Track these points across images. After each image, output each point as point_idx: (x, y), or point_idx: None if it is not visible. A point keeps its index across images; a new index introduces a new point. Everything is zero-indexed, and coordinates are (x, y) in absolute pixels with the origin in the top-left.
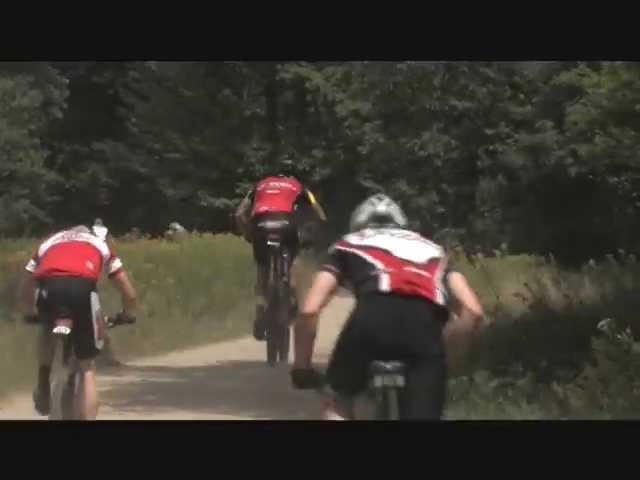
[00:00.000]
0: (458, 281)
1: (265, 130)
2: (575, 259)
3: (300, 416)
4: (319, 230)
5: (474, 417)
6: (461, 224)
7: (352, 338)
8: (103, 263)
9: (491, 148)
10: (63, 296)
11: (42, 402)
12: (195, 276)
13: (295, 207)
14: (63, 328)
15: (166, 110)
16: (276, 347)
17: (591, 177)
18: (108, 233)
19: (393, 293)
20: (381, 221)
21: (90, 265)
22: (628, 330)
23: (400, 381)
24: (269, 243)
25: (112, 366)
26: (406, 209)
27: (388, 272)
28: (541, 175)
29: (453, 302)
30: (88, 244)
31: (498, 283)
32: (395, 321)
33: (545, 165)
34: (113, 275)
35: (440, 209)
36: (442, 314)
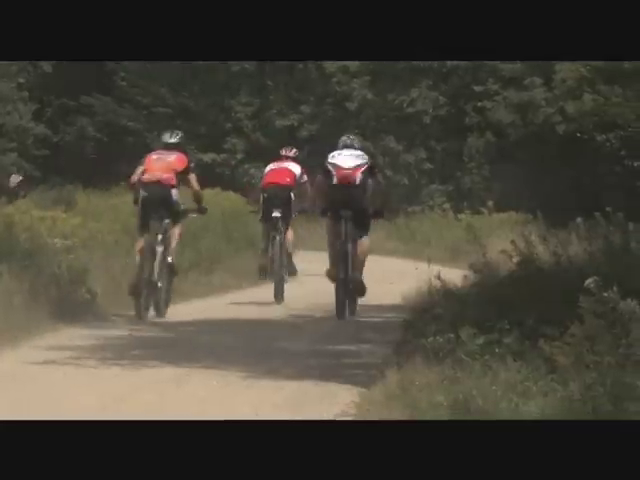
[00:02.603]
0: (371, 185)
1: (254, 85)
2: (563, 217)
3: (284, 373)
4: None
5: (460, 374)
6: (449, 181)
7: (329, 201)
8: (297, 178)
9: (479, 105)
10: (277, 196)
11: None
12: (183, 231)
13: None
14: (277, 214)
15: (154, 65)
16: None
17: (579, 135)
18: (22, 180)
19: (338, 184)
20: (347, 147)
21: (288, 179)
22: (615, 288)
23: (349, 214)
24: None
25: (98, 320)
26: (394, 165)
27: (334, 174)
28: (529, 132)
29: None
30: (288, 167)
31: (485, 240)
32: (342, 194)
33: (533, 122)
34: (301, 184)
35: (428, 166)
36: (361, 188)
